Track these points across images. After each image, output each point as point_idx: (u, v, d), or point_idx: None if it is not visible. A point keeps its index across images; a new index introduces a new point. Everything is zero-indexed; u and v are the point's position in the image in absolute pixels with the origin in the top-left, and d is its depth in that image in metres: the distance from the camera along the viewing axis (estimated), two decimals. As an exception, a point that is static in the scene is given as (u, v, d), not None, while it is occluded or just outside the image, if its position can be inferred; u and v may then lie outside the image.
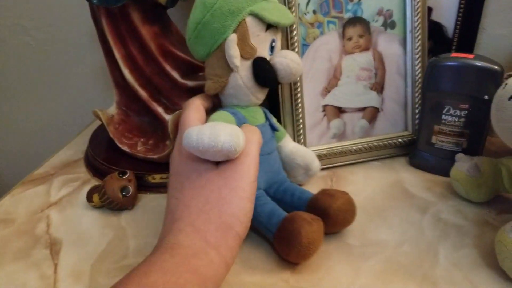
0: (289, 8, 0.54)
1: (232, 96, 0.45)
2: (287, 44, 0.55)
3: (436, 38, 0.69)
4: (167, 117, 0.56)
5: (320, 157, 0.59)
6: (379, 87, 0.62)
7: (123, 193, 0.51)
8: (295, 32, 0.55)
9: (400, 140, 0.63)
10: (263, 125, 0.47)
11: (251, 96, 0.45)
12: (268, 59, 0.44)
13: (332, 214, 0.44)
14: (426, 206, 0.53)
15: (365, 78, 0.61)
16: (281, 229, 0.42)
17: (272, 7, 0.42)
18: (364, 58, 0.61)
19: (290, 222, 0.41)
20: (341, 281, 0.41)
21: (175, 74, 0.56)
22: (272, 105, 0.57)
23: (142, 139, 0.60)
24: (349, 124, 0.62)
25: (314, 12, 0.57)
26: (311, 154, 0.54)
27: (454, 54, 0.55)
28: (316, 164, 0.54)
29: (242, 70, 0.43)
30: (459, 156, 0.54)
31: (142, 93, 0.57)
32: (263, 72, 0.43)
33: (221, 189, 0.35)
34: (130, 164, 0.58)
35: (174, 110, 0.57)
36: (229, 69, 0.42)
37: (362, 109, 0.62)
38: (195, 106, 0.42)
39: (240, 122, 0.43)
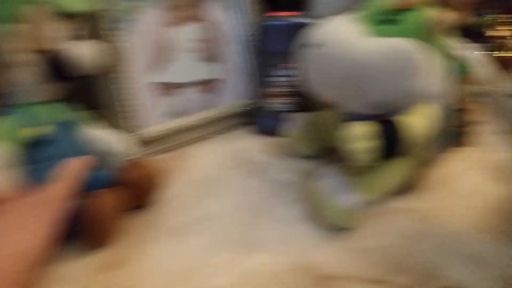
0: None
1: (13, 94, 0.39)
2: (104, 22, 0.50)
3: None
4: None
5: (159, 138, 0.56)
6: (215, 58, 0.60)
7: None
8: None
9: (243, 109, 0.62)
10: (63, 122, 0.42)
11: (41, 93, 0.39)
12: (64, 49, 0.39)
13: (139, 183, 0.43)
14: (262, 169, 0.52)
15: (198, 49, 0.58)
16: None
17: None
18: (195, 29, 0.58)
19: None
20: (164, 265, 0.38)
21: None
22: (89, 91, 0.52)
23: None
24: (188, 99, 0.59)
25: (127, -18, 0.53)
26: (111, 137, 0.48)
27: (280, 13, 0.54)
28: (119, 145, 0.48)
29: (29, 65, 0.37)
30: (290, 115, 0.54)
31: None
32: (58, 67, 0.38)
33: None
34: None
35: None
36: (5, 63, 0.36)
37: (200, 82, 0.60)
38: None
39: (24, 125, 0.38)
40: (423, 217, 0.41)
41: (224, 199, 0.47)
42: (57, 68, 0.39)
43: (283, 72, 0.54)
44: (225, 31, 0.60)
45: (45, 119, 0.40)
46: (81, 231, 0.38)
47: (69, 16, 0.39)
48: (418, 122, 0.37)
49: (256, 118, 0.61)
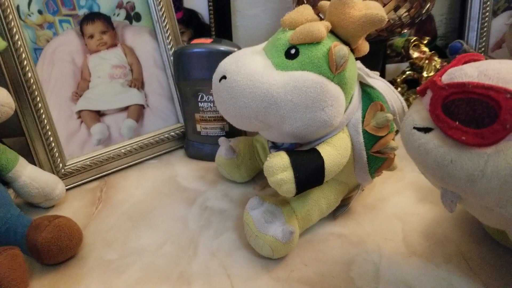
0: (2, 12, 0.47)
1: None
2: (11, 50, 0.48)
3: (194, 26, 0.69)
4: None
5: (85, 168, 0.55)
6: (139, 83, 0.59)
7: None
8: (17, 37, 0.48)
9: (172, 133, 0.62)
10: None
11: None
12: None
13: (42, 248, 0.39)
14: (195, 196, 0.52)
15: (120, 75, 0.57)
16: None
17: None
18: (114, 55, 0.57)
19: None
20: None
21: None
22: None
23: None
24: (114, 126, 0.58)
25: (40, 12, 0.51)
26: (52, 180, 0.48)
27: (194, 41, 0.54)
28: (59, 190, 0.49)
29: None
30: (220, 140, 0.54)
31: None
32: None
33: None
34: None
35: None
36: None
37: (125, 109, 0.58)
38: None
39: None
40: (356, 242, 0.43)
41: (157, 230, 0.46)
42: None
43: (209, 98, 0.55)
44: (150, 56, 0.59)
45: None
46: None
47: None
48: (335, 150, 0.39)
49: (185, 143, 0.61)
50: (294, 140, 0.41)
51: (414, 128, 0.32)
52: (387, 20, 0.37)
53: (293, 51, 0.37)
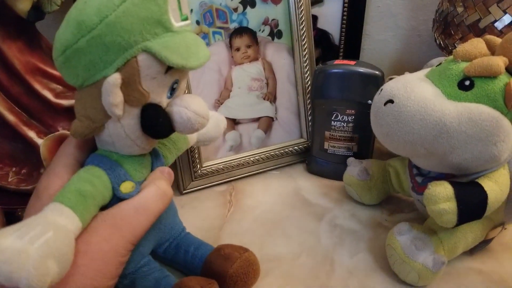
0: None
1: (109, 144, 0.33)
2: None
3: (324, 46, 0.71)
4: (40, 141, 0.50)
5: (218, 171, 0.58)
6: (271, 97, 0.62)
7: (-11, 234, 0.44)
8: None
9: (296, 147, 0.63)
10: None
11: (136, 147, 0.33)
12: (164, 104, 0.32)
13: (229, 280, 0.38)
14: (322, 212, 0.53)
15: (257, 88, 0.60)
16: None
17: (179, 43, 0.30)
18: (254, 68, 0.60)
19: None
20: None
21: (47, 93, 0.51)
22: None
23: (14, 168, 0.53)
24: (245, 135, 0.61)
25: (198, 22, 0.55)
26: (216, 120, 0.46)
27: (337, 61, 0.56)
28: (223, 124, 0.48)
29: (126, 118, 0.30)
30: (350, 160, 0.55)
31: (10, 117, 0.50)
32: (154, 125, 0.32)
33: None
34: (1, 199, 0.51)
35: (49, 133, 0.51)
36: (106, 113, 0.30)
37: (257, 119, 0.61)
38: (64, 162, 0.33)
39: (119, 181, 0.33)
40: (498, 281, 0.42)
41: (291, 240, 0.48)
42: (151, 127, 0.32)
43: (343, 118, 0.56)
44: (285, 72, 0.62)
45: (133, 175, 0.34)
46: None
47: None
48: (497, 186, 0.38)
49: (309, 159, 0.62)
50: (453, 171, 0.40)
51: None
52: None
53: (467, 82, 0.37)
